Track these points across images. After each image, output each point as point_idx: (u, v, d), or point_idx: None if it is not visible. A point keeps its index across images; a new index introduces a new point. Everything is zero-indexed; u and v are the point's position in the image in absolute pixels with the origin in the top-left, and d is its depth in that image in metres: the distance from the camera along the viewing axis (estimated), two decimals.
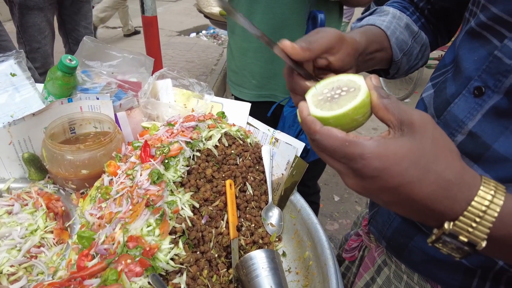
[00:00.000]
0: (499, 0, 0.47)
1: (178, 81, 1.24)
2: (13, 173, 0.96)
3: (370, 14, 0.76)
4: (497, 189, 0.36)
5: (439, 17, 0.77)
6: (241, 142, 0.98)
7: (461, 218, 0.35)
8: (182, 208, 0.72)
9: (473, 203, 0.35)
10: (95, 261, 0.63)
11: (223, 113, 1.03)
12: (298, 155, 0.99)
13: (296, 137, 1.28)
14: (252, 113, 1.15)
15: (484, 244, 0.35)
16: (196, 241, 0.73)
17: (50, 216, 0.86)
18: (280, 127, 1.47)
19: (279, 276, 0.77)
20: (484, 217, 0.35)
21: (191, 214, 0.72)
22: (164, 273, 0.63)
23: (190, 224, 0.72)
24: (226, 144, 0.94)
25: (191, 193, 0.77)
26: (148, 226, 0.65)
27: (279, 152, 1.02)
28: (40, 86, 1.05)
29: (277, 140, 1.06)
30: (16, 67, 0.98)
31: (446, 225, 0.36)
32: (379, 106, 0.40)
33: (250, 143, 1.01)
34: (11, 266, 0.73)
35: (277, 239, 0.92)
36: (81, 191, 0.94)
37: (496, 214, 0.35)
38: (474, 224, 0.35)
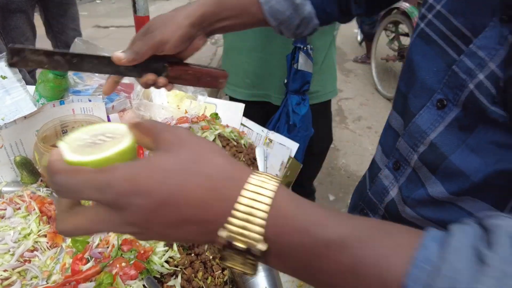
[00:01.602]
0: (460, 13, 0.47)
1: None
2: (5, 177, 0.95)
3: None
4: (269, 177, 0.31)
5: None
6: (235, 143, 0.98)
7: (230, 219, 0.29)
8: None
9: (241, 198, 0.29)
10: (89, 264, 0.63)
11: (217, 114, 1.03)
12: (292, 155, 1.00)
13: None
14: (246, 114, 1.15)
15: (263, 247, 0.28)
16: (191, 244, 0.74)
17: (43, 219, 0.85)
18: (284, 125, 1.47)
19: (274, 276, 0.78)
20: (253, 211, 0.29)
21: None
22: (159, 276, 0.63)
23: None
24: (220, 145, 0.95)
25: None
26: None
27: (273, 153, 1.03)
28: (31, 88, 1.05)
29: (271, 140, 1.06)
30: (6, 69, 0.97)
31: (219, 233, 0.29)
32: (139, 137, 0.35)
33: (244, 144, 1.01)
34: (5, 270, 0.72)
35: None
36: None
37: (265, 209, 0.29)
38: (246, 224, 0.29)
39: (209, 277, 0.76)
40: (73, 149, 0.35)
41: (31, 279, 0.75)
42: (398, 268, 0.26)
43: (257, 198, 0.29)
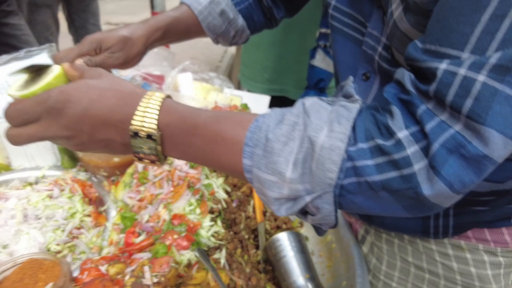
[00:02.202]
0: (351, 4, 0.60)
1: (199, 75, 1.29)
2: (47, 161, 1.00)
3: None
4: (159, 92, 0.44)
5: None
6: None
7: (134, 117, 0.41)
8: (217, 191, 0.77)
9: (140, 103, 0.41)
10: (142, 237, 0.68)
11: (246, 105, 1.08)
12: None
13: None
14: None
15: (158, 133, 0.41)
16: (230, 222, 0.79)
17: (85, 201, 0.91)
18: None
19: (305, 256, 0.83)
20: (148, 110, 0.41)
21: (225, 196, 0.77)
22: (206, 249, 0.68)
23: (224, 206, 0.77)
24: None
25: (223, 178, 0.83)
26: (189, 206, 0.70)
27: None
28: None
29: None
30: (49, 60, 1.02)
31: (130, 129, 0.41)
32: (68, 69, 0.47)
33: None
34: (57, 244, 0.78)
35: (299, 225, 0.97)
36: (111, 178, 0.99)
37: (157, 107, 0.41)
38: (145, 118, 0.41)
39: (245, 255, 0.81)
40: (16, 88, 0.46)
41: (79, 253, 0.80)
42: (241, 134, 0.40)
43: (151, 102, 0.41)
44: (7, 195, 0.85)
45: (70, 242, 0.80)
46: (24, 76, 0.49)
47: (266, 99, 1.22)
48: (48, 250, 0.76)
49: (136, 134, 0.41)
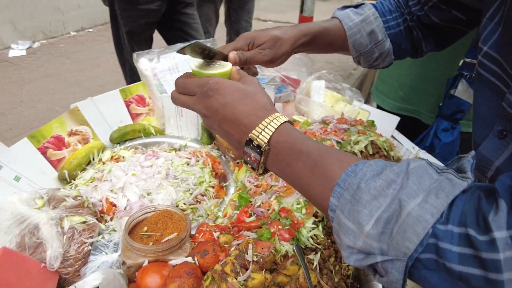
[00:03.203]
0: (506, 52, 0.55)
1: (332, 84, 1.33)
2: (191, 134, 1.20)
3: (354, 6, 0.86)
4: (284, 116, 0.52)
5: (428, 28, 0.84)
6: (385, 154, 1.02)
7: (257, 128, 0.50)
8: None
9: (265, 119, 0.50)
10: (252, 218, 0.77)
11: (373, 122, 1.08)
12: None
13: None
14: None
15: (265, 147, 0.49)
16: (330, 230, 0.82)
17: (212, 174, 1.07)
18: (424, 147, 1.43)
19: None
20: (268, 127, 0.49)
21: None
22: (303, 247, 0.74)
23: None
24: (371, 152, 1.00)
25: None
26: (297, 204, 0.76)
27: None
28: None
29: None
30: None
31: (248, 135, 0.50)
32: (234, 72, 0.60)
33: (392, 157, 1.04)
34: (184, 204, 0.94)
35: None
36: (237, 161, 1.13)
37: (275, 126, 0.49)
38: (262, 132, 0.49)
39: (337, 266, 0.84)
40: (196, 66, 0.61)
41: (198, 216, 0.96)
42: (337, 172, 0.43)
43: (274, 121, 0.50)
44: (158, 154, 1.06)
45: (193, 204, 0.96)
46: (201, 61, 0.65)
47: (395, 120, 1.18)
48: (177, 206, 0.93)
49: (250, 141, 0.50)
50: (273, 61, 0.78)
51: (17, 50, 4.41)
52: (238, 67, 0.61)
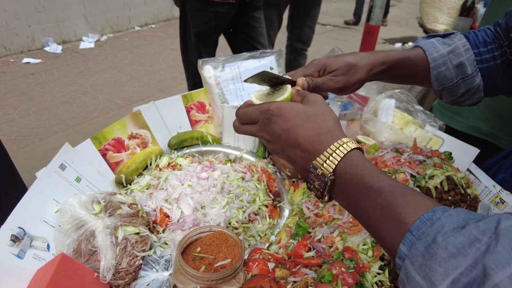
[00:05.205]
0: None
1: (403, 104, 1.23)
2: (247, 146, 1.16)
3: (442, 36, 0.78)
4: (352, 142, 0.48)
5: None
6: (462, 191, 0.90)
7: (321, 155, 0.47)
8: None
9: (331, 146, 0.47)
10: (311, 254, 0.71)
11: (450, 154, 0.97)
12: None
13: None
14: None
15: (332, 176, 0.46)
16: (396, 275, 0.73)
17: (267, 192, 1.02)
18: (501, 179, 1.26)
19: None
20: (333, 155, 0.46)
21: None
22: None
23: None
24: (446, 189, 0.89)
25: None
26: (363, 245, 0.69)
27: None
28: None
29: (502, 201, 0.93)
30: (275, 63, 1.17)
31: (312, 162, 0.48)
32: (294, 95, 0.58)
33: (469, 194, 0.92)
34: (236, 222, 0.90)
35: None
36: (293, 179, 1.07)
37: (342, 155, 0.46)
38: (327, 160, 0.46)
39: None
40: (257, 97, 0.60)
41: (249, 236, 0.91)
42: (410, 217, 0.39)
43: (340, 149, 0.47)
44: (215, 166, 1.03)
45: (246, 224, 0.92)
46: (264, 89, 0.64)
47: (474, 152, 1.05)
48: (229, 223, 0.89)
49: (314, 168, 0.47)
50: (345, 89, 0.73)
51: (87, 42, 4.71)
52: (298, 87, 0.58)
